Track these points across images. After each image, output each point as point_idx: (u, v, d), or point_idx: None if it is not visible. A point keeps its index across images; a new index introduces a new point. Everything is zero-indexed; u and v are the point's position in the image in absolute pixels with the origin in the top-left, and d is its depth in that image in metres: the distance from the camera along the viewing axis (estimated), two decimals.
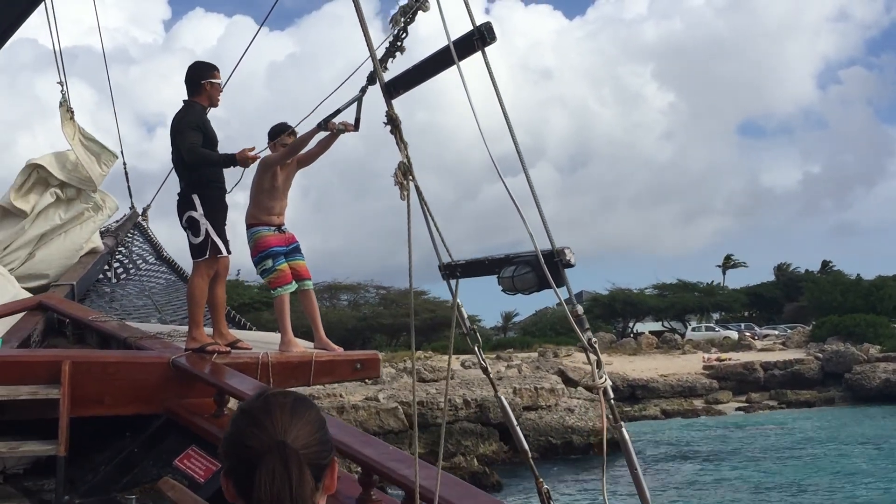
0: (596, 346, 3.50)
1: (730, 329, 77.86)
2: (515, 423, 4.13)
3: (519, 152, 3.76)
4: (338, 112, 6.78)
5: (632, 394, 49.09)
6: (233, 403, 6.66)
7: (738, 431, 39.24)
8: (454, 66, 3.88)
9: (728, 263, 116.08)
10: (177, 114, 7.84)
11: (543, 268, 3.53)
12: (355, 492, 4.97)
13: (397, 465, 4.86)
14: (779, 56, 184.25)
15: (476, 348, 4.01)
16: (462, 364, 46.84)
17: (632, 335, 76.85)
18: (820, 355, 55.35)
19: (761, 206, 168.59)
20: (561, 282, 3.56)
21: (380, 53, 4.59)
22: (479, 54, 3.85)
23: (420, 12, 4.34)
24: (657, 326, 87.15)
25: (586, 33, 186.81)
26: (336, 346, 8.41)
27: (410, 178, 4.50)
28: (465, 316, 4.09)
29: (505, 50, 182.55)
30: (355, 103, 6.18)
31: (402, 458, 5.07)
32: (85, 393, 6.82)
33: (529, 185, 3.70)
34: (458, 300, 4.05)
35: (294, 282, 8.27)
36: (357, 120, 6.97)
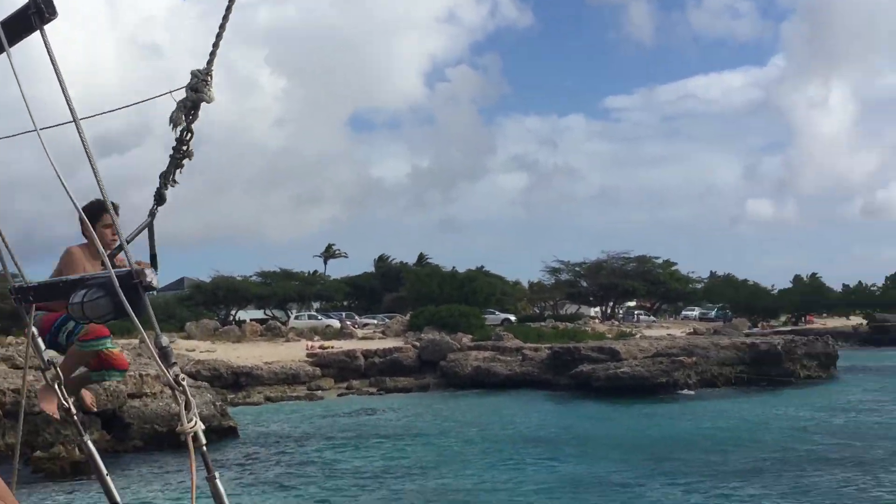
0: (185, 383, 2.82)
1: (332, 318, 79.52)
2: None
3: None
4: None
5: (236, 381, 48.52)
6: None
7: (341, 417, 39.94)
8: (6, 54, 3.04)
9: (329, 253, 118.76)
10: None
11: (119, 293, 2.86)
12: None
13: None
14: (389, 52, 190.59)
15: (57, 387, 3.20)
16: None
17: (234, 322, 76.21)
18: (417, 343, 57.85)
19: (370, 196, 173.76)
20: (141, 308, 2.88)
21: None
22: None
23: None
24: (260, 314, 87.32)
25: (199, 12, 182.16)
26: None
27: None
28: (43, 348, 3.33)
29: (113, 25, 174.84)
30: None
31: None
32: None
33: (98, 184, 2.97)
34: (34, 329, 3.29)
35: None
36: None
